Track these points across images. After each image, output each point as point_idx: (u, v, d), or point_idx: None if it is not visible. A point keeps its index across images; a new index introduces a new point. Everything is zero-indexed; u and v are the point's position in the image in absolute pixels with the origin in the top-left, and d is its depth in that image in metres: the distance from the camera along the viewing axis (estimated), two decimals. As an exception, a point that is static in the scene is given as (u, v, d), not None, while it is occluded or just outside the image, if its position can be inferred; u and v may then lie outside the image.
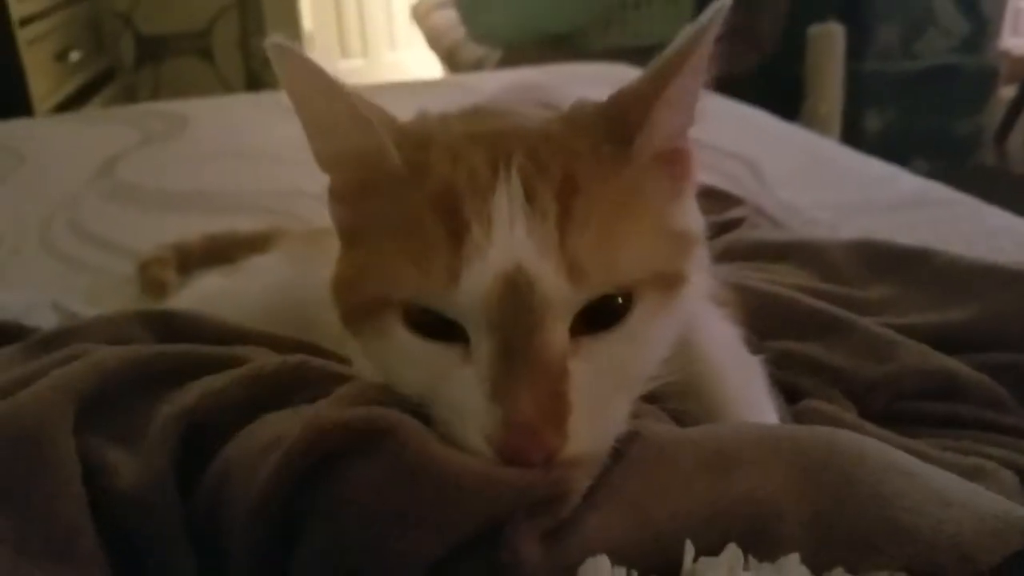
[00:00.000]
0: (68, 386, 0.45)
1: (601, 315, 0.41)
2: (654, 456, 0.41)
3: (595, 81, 1.67)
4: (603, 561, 0.37)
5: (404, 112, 0.48)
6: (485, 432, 0.39)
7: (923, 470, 0.42)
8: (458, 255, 0.40)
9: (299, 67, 0.42)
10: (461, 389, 0.40)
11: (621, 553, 0.37)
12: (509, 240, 0.40)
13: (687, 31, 0.41)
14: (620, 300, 0.41)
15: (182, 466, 0.44)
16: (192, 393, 0.47)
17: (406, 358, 0.43)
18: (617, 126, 0.43)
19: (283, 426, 0.43)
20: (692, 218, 0.47)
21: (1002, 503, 0.40)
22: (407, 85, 2.06)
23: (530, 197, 0.40)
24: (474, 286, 0.39)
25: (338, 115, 0.43)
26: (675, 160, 0.45)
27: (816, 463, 0.40)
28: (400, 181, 0.43)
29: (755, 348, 0.57)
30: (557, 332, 0.40)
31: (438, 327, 0.41)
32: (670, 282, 0.43)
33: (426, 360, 0.42)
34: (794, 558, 0.37)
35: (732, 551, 0.38)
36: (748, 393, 0.52)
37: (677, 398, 0.48)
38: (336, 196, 0.47)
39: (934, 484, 0.40)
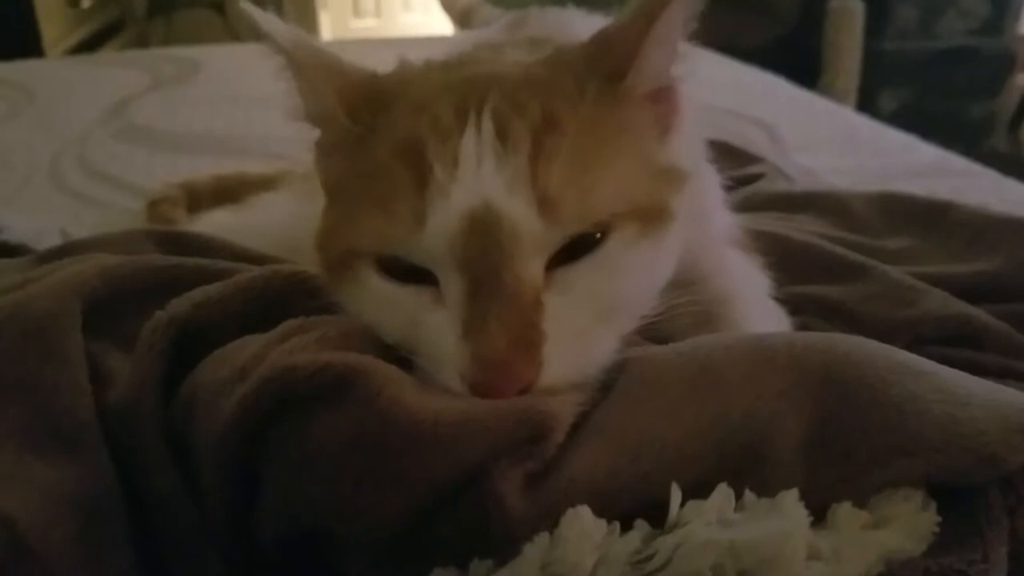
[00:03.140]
0: (79, 283, 0.44)
1: (578, 249, 0.41)
2: (639, 386, 0.38)
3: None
4: (584, 511, 0.34)
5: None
6: (459, 371, 0.38)
7: (937, 369, 0.39)
8: (423, 198, 0.39)
9: (285, 32, 0.44)
10: (435, 332, 0.40)
11: (608, 494, 0.35)
12: (476, 178, 0.39)
13: None
14: (598, 235, 0.41)
15: (179, 373, 0.43)
16: (187, 300, 0.45)
17: (382, 306, 0.42)
18: (604, 65, 0.43)
19: (252, 351, 0.41)
20: (681, 154, 0.46)
21: None
22: (420, 40, 2.04)
23: (502, 136, 0.40)
24: (440, 228, 0.39)
25: (312, 76, 0.45)
26: (662, 98, 0.45)
27: (814, 373, 0.37)
28: (359, 140, 0.43)
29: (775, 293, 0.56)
30: (529, 267, 0.39)
31: (410, 274, 0.41)
32: (652, 216, 0.42)
33: (401, 306, 0.42)
34: (792, 494, 0.35)
35: (722, 492, 0.35)
36: (762, 324, 0.50)
37: (692, 331, 0.46)
38: (320, 150, 0.48)
39: (950, 383, 0.37)
